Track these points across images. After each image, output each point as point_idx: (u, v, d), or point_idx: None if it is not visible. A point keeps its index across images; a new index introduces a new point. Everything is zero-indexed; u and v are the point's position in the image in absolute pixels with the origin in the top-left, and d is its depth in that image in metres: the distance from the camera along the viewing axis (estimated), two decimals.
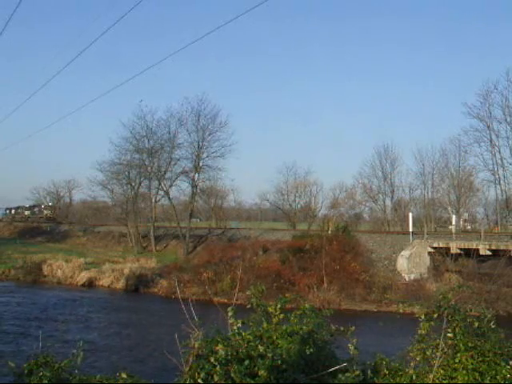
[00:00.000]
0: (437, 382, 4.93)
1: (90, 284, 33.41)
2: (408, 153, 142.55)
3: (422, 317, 5.49)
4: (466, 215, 48.38)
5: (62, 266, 35.79)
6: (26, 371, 4.21)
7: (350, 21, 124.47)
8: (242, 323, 4.51)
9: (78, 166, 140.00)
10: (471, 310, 5.64)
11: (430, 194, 52.45)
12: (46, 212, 79.83)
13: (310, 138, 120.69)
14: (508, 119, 43.15)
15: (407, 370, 5.13)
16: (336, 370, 4.12)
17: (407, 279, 27.82)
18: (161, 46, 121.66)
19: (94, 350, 16.60)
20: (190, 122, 43.80)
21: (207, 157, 43.69)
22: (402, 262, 28.62)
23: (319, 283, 27.03)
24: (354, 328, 4.83)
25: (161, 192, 47.46)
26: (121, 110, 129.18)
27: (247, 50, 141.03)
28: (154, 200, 49.17)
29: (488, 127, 43.97)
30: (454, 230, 31.32)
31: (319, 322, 4.81)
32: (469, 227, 46.56)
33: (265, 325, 4.54)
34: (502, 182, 44.16)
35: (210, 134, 43.33)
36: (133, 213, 49.61)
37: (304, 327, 4.62)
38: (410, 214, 32.95)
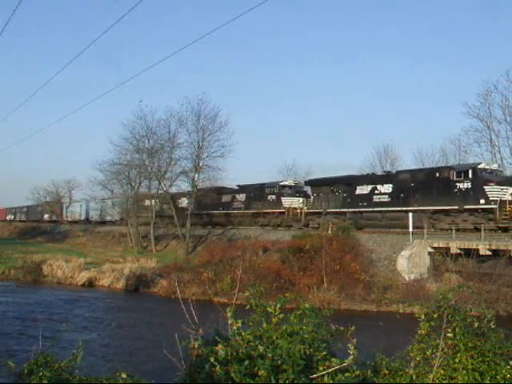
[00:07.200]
0: (437, 382, 4.93)
1: (90, 284, 33.39)
2: (408, 153, 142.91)
3: (422, 317, 5.49)
4: None
5: (62, 266, 35.77)
6: (26, 371, 4.20)
7: (349, 21, 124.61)
8: (242, 323, 4.50)
9: (78, 166, 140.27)
10: (471, 310, 5.64)
11: None
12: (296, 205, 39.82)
13: (309, 138, 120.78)
14: (508, 119, 43.27)
15: (407, 370, 5.12)
16: (336, 369, 4.12)
17: (407, 279, 27.78)
18: (161, 46, 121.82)
19: (94, 350, 16.58)
20: (189, 122, 43.83)
21: (207, 157, 43.69)
22: (401, 262, 28.58)
23: (319, 283, 27.00)
24: (353, 328, 4.82)
25: (161, 192, 47.51)
26: (121, 110, 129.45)
27: (247, 50, 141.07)
28: (154, 200, 49.24)
29: (488, 127, 44.08)
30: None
31: (319, 322, 4.81)
32: None
33: (264, 325, 4.54)
34: None
35: (209, 134, 43.35)
36: (133, 213, 49.64)
37: (304, 327, 4.62)
38: (410, 214, 32.88)
